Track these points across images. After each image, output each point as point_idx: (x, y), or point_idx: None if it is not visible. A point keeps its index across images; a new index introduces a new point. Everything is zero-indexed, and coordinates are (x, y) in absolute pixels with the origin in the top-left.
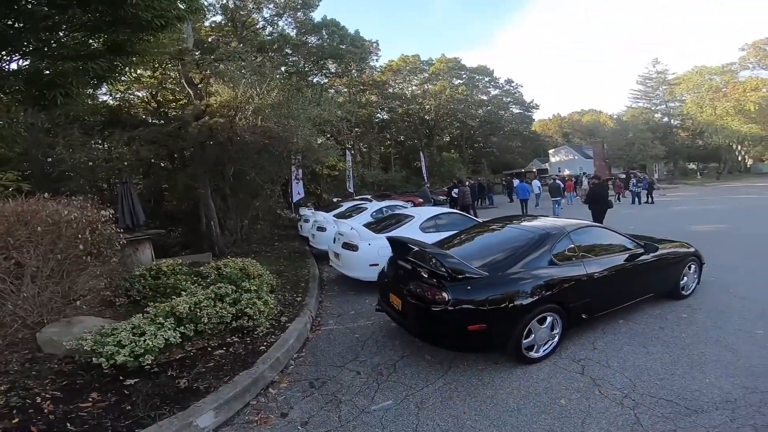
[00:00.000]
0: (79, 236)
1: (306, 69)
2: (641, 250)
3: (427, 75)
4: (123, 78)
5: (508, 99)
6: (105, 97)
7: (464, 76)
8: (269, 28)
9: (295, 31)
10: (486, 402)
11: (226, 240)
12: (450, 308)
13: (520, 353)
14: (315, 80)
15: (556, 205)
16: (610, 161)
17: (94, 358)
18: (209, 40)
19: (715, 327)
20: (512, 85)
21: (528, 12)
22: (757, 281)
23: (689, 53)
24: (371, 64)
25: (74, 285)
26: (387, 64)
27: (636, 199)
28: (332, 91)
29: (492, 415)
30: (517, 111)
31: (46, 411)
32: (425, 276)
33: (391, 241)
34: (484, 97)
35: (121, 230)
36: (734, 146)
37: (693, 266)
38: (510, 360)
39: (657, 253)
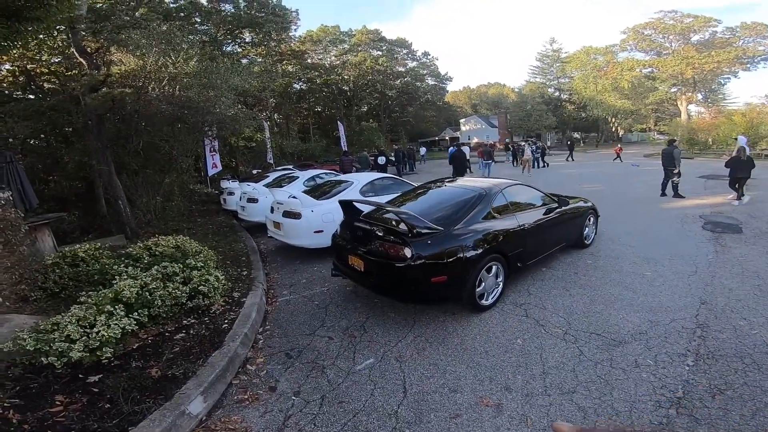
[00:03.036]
0: None
1: (220, 38)
2: (556, 205)
3: (347, 46)
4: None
5: (425, 71)
6: None
7: (384, 47)
8: None
9: None
10: (456, 349)
11: (138, 220)
12: (413, 263)
13: (474, 301)
14: (228, 49)
15: (487, 168)
16: (512, 130)
17: (42, 358)
18: (97, 5)
19: (614, 271)
20: (429, 57)
21: None
22: (636, 232)
23: (588, 31)
24: (290, 33)
25: None
26: (306, 34)
27: (535, 164)
28: (245, 60)
29: (465, 359)
30: (433, 82)
31: (15, 421)
32: (386, 235)
33: (344, 204)
34: (402, 69)
35: (22, 214)
36: (610, 119)
37: (592, 219)
38: (465, 310)
39: (568, 206)
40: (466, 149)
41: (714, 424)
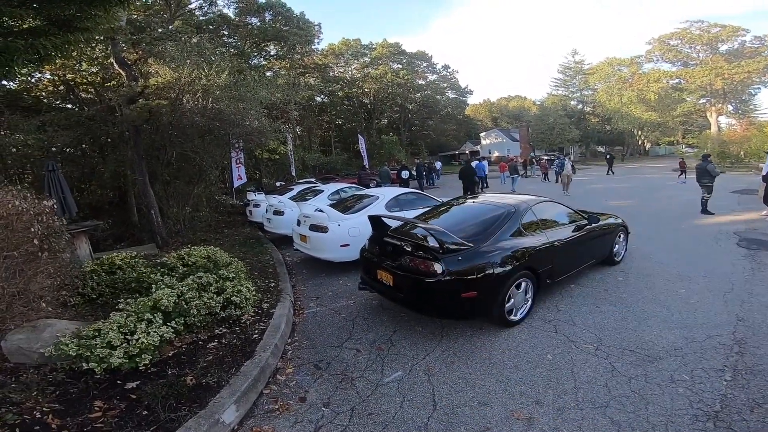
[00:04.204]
0: (31, 229)
1: (247, 50)
2: (586, 222)
3: (368, 59)
4: (73, 54)
5: (445, 84)
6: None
7: (404, 60)
8: (205, 8)
9: (236, 10)
10: (485, 363)
11: (168, 229)
12: (444, 279)
13: (503, 317)
14: (253, 62)
15: (513, 181)
16: (534, 144)
17: (83, 364)
18: (133, 17)
19: (646, 288)
20: (449, 70)
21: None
22: (669, 249)
23: (611, 42)
24: (313, 47)
25: (30, 285)
26: (328, 47)
27: (558, 179)
28: (270, 73)
29: (495, 374)
30: (453, 96)
31: (54, 426)
32: (416, 250)
33: (373, 219)
34: (422, 82)
35: (64, 222)
36: (636, 131)
37: (622, 236)
38: (493, 325)
39: (598, 223)
40: (483, 164)
41: None
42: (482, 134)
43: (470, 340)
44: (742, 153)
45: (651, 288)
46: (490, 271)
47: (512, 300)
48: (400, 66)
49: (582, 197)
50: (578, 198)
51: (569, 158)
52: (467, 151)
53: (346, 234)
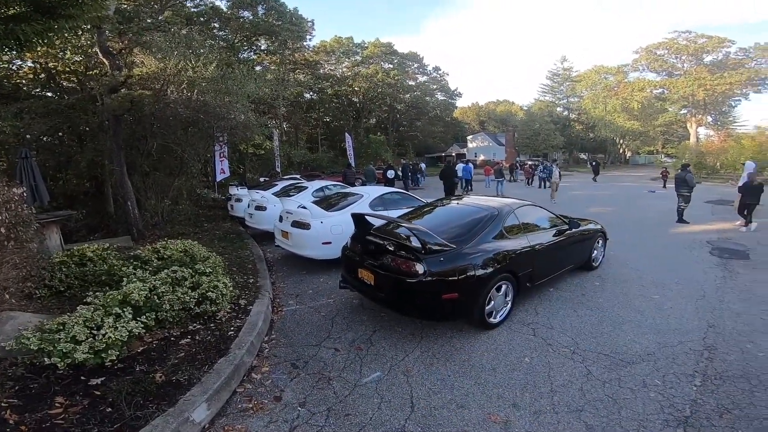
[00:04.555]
0: None
1: (237, 44)
2: (566, 226)
3: (360, 58)
4: (56, 42)
5: (435, 86)
6: None
7: (395, 61)
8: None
9: (229, 3)
10: (464, 365)
11: (145, 222)
12: (425, 279)
13: (483, 319)
14: (243, 56)
15: (500, 184)
16: (519, 148)
17: (45, 358)
18: (122, 6)
19: (622, 293)
20: (439, 72)
21: (455, 3)
22: (646, 256)
23: (611, 46)
24: (305, 43)
25: None
26: (320, 44)
27: (542, 184)
28: (259, 68)
29: (473, 375)
30: (442, 98)
31: (11, 422)
32: (398, 250)
33: (356, 217)
34: (413, 83)
35: (34, 211)
36: (617, 140)
37: (600, 241)
38: (472, 327)
39: (578, 228)
40: (469, 167)
41: None
42: (469, 137)
43: (450, 341)
44: (718, 164)
45: (626, 294)
46: (472, 273)
47: (492, 302)
48: (391, 66)
49: (566, 203)
50: (562, 204)
51: (557, 165)
52: (453, 153)
53: (329, 231)
